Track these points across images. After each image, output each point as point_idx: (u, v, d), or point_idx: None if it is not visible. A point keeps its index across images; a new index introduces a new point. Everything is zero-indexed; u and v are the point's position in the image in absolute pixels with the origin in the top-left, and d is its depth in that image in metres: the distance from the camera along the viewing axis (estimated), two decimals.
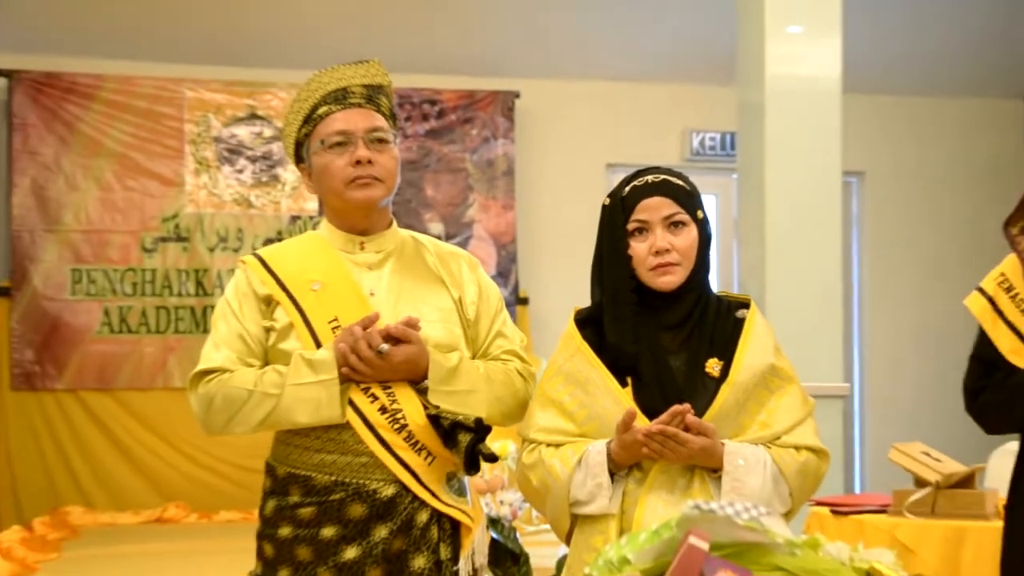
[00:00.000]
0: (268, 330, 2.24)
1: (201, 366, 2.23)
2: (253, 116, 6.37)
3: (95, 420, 6.08)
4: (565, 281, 6.05)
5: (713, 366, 2.09)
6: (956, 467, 3.77)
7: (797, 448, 2.11)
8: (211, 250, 6.31)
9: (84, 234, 6.15)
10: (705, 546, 1.30)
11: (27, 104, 6.08)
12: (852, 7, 4.89)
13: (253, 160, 6.36)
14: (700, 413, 1.99)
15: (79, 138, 6.12)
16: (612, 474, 2.08)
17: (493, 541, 3.26)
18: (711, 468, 2.05)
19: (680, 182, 2.14)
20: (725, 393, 2.06)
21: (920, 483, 3.77)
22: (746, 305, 2.19)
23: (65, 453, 6.03)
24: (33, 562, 4.66)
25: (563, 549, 2.36)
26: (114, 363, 6.14)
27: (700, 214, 2.13)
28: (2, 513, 5.75)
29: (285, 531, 2.19)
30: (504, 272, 6.53)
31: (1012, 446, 2.52)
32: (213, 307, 2.27)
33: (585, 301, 2.23)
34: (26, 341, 6.05)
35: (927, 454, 3.88)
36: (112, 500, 5.97)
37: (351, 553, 2.15)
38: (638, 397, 2.06)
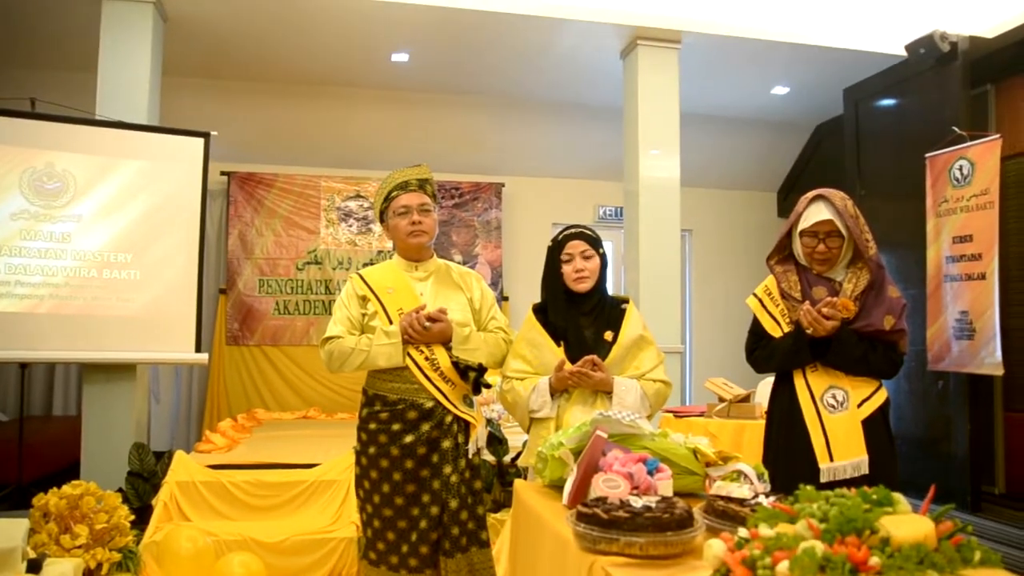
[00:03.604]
0: (363, 315, 2.68)
1: (326, 334, 2.66)
2: (358, 195, 7.39)
3: (270, 361, 7.20)
4: (527, 288, 7.17)
5: (609, 335, 2.53)
6: (740, 390, 4.60)
7: (655, 380, 2.52)
8: (334, 269, 7.31)
9: (265, 260, 7.24)
10: (605, 436, 1.73)
11: (237, 190, 7.22)
12: (684, 141, 5.75)
13: (357, 220, 7.38)
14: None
15: (264, 208, 7.28)
16: (552, 395, 2.51)
17: (488, 432, 4.32)
18: (606, 392, 2.46)
19: (590, 232, 2.62)
20: (615, 351, 2.50)
21: (721, 400, 4.58)
22: (626, 301, 2.63)
23: (254, 379, 7.15)
24: (236, 438, 5.34)
25: (524, 436, 2.70)
26: (281, 331, 7.26)
27: (601, 251, 2.59)
28: (222, 413, 6.83)
29: (372, 425, 2.62)
30: (495, 283, 7.48)
31: (770, 378, 2.76)
32: (334, 301, 2.77)
33: (535, 300, 2.72)
34: (234, 318, 7.17)
35: (726, 383, 4.75)
36: (278, 405, 7.05)
37: (408, 438, 2.57)
38: (567, 353, 2.49)
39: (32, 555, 3.06)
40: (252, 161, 7.43)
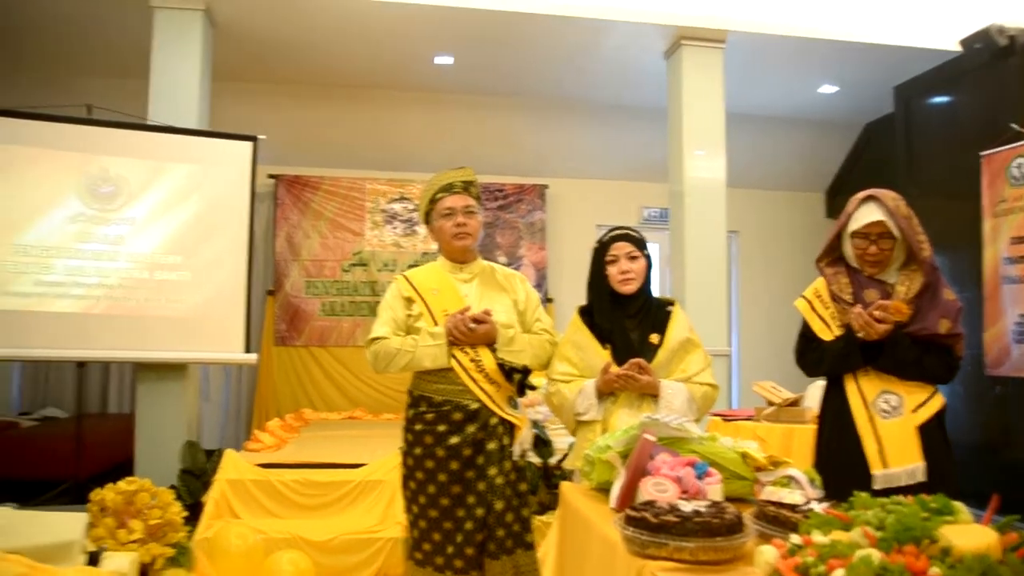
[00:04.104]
0: (408, 316, 2.69)
1: (372, 335, 2.69)
2: (402, 197, 7.45)
3: (317, 362, 7.28)
4: (572, 290, 7.02)
5: (655, 338, 2.51)
6: (789, 394, 4.51)
7: (702, 384, 2.50)
8: (379, 270, 7.38)
9: (312, 262, 7.33)
10: (653, 439, 1.73)
11: (284, 192, 7.34)
12: (730, 141, 5.71)
13: (402, 222, 7.45)
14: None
15: (310, 210, 7.37)
16: (598, 398, 2.49)
17: (534, 435, 4.31)
18: (653, 395, 2.44)
19: (636, 234, 2.60)
20: (661, 354, 2.49)
21: (770, 403, 4.50)
22: (672, 303, 2.61)
23: (301, 379, 7.22)
24: (284, 438, 5.44)
25: (570, 439, 2.78)
26: (327, 332, 7.32)
27: (647, 252, 2.58)
28: (270, 412, 6.88)
29: (417, 427, 2.63)
30: (539, 284, 7.42)
31: (820, 382, 2.77)
32: (379, 303, 2.76)
33: (582, 301, 2.68)
34: (281, 319, 7.27)
35: (774, 387, 4.67)
36: (325, 405, 7.10)
37: (454, 440, 2.57)
38: (613, 355, 2.48)
39: (91, 548, 3.13)
40: (299, 164, 7.50)
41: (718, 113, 5.73)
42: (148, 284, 5.12)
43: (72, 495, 4.89)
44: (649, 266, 2.60)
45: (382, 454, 4.47)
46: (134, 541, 3.39)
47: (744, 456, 1.86)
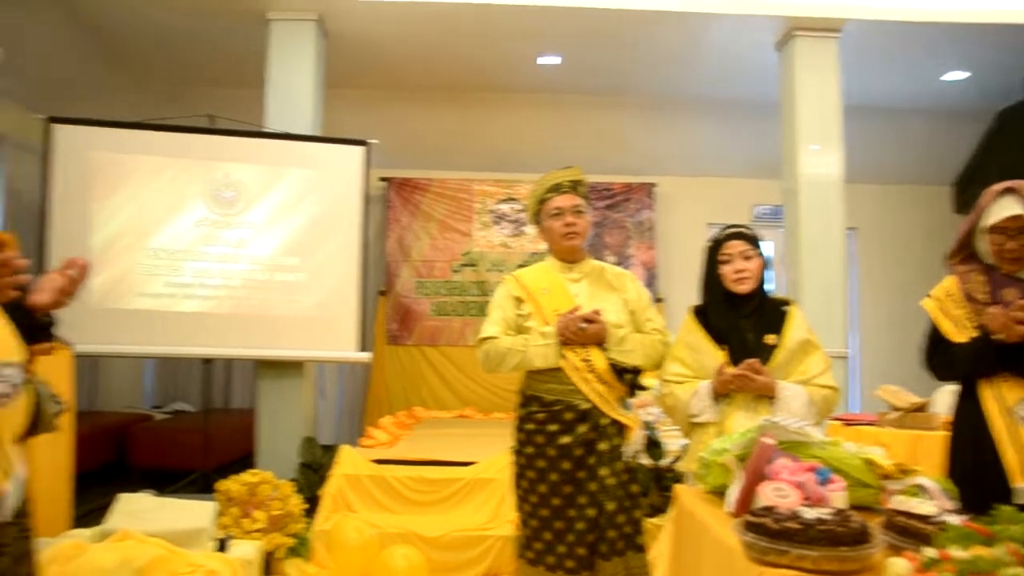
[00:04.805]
0: (519, 316, 2.71)
1: (483, 334, 2.71)
2: (510, 198, 7.54)
3: (428, 361, 7.41)
4: (683, 289, 6.84)
5: (771, 338, 2.46)
6: (915, 399, 4.33)
7: (822, 386, 2.43)
8: (487, 271, 7.47)
9: (422, 262, 7.48)
10: (772, 443, 1.68)
11: (394, 194, 7.51)
12: (847, 134, 5.55)
13: (510, 222, 7.53)
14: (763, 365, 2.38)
15: (420, 212, 7.51)
16: (713, 399, 2.45)
17: (645, 435, 4.04)
18: (770, 397, 2.38)
19: (750, 232, 2.55)
20: (778, 355, 2.43)
21: (894, 408, 4.33)
22: (788, 303, 2.55)
23: (412, 378, 7.36)
24: (397, 435, 5.50)
25: (682, 440, 2.82)
26: (438, 331, 7.46)
27: (761, 250, 2.53)
28: (383, 409, 6.96)
29: (529, 426, 2.65)
30: (649, 284, 7.30)
31: (949, 387, 2.69)
32: (489, 302, 2.76)
33: (693, 301, 2.65)
34: (393, 319, 7.44)
35: (899, 391, 4.44)
36: (436, 403, 7.22)
37: (565, 439, 2.58)
38: (728, 356, 2.44)
39: (219, 535, 3.29)
40: (408, 167, 7.65)
41: (834, 105, 5.56)
42: (268, 285, 5.34)
43: (200, 484, 5.17)
44: (765, 265, 2.55)
45: (493, 452, 4.49)
46: (257, 530, 3.54)
47: (869, 463, 1.77)
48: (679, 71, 6.49)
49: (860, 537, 1.34)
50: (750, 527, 1.41)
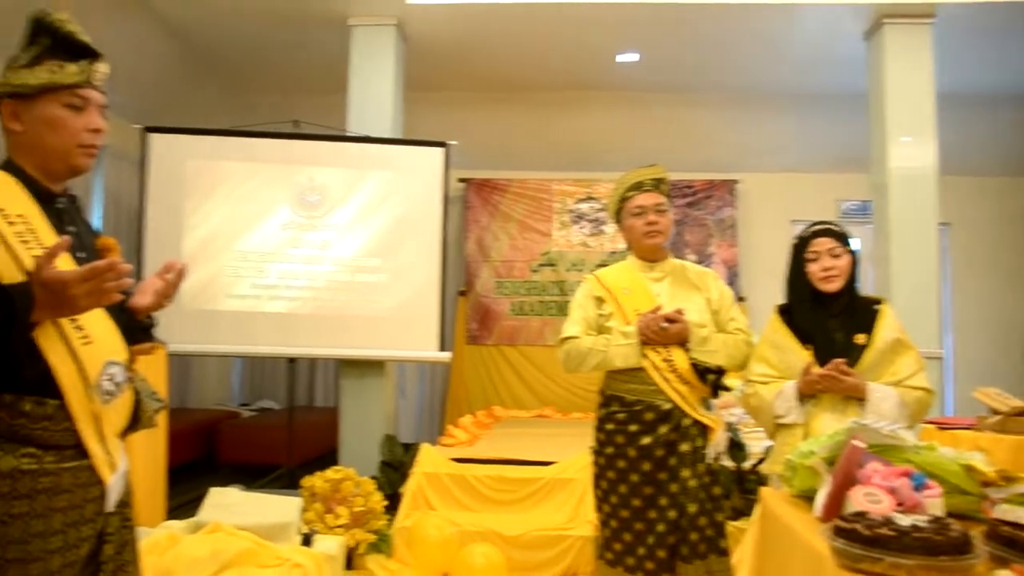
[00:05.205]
0: (599, 315, 2.71)
1: (564, 334, 2.72)
2: (589, 198, 7.55)
3: (507, 360, 7.49)
4: (765, 288, 6.66)
5: (861, 338, 2.42)
6: (1018, 402, 4.12)
7: (915, 388, 2.38)
8: (567, 270, 7.48)
9: (502, 263, 7.55)
10: (863, 446, 1.62)
11: (474, 195, 7.61)
12: (941, 125, 5.39)
13: (589, 222, 7.53)
14: (852, 366, 2.34)
15: (499, 212, 7.59)
16: (799, 400, 2.41)
17: (728, 437, 4.26)
18: (859, 398, 2.33)
19: (838, 228, 2.50)
20: (868, 355, 2.38)
21: (995, 412, 4.13)
22: (880, 302, 2.50)
23: (492, 377, 7.44)
24: (476, 434, 5.58)
25: (766, 442, 2.88)
26: (517, 331, 7.52)
27: (850, 248, 2.47)
28: (462, 409, 7.03)
29: (610, 426, 2.64)
30: (731, 282, 7.11)
31: None
32: (568, 303, 2.74)
33: (776, 300, 2.63)
34: (473, 319, 7.54)
35: (1000, 394, 4.20)
36: (515, 403, 7.26)
37: (646, 440, 2.57)
38: (815, 356, 2.40)
39: (304, 530, 3.38)
40: (487, 167, 7.70)
41: (927, 95, 5.38)
42: (350, 286, 5.46)
43: (285, 480, 5.31)
44: (855, 263, 2.48)
45: (572, 452, 4.48)
46: (340, 526, 3.62)
47: (969, 469, 1.67)
48: (761, 65, 6.38)
49: (961, 547, 1.28)
50: (840, 533, 1.36)
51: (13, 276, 1.39)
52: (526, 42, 6.02)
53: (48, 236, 1.48)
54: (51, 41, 1.54)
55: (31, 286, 1.34)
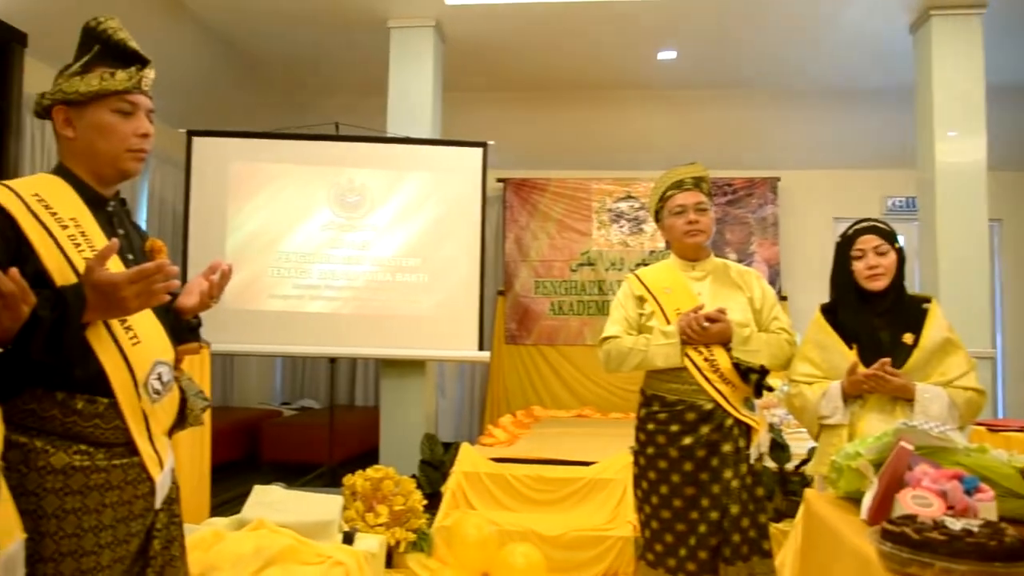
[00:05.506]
0: (640, 315, 2.71)
1: (604, 334, 2.73)
2: (629, 196, 7.48)
3: (546, 360, 7.46)
4: (808, 287, 7.00)
5: (909, 338, 2.38)
6: None
7: (965, 388, 2.34)
8: (606, 270, 7.45)
9: (541, 262, 7.53)
10: (911, 448, 1.60)
11: (512, 195, 7.60)
12: (990, 119, 5.32)
13: (629, 220, 7.47)
14: (899, 367, 2.30)
15: (537, 212, 7.57)
16: (844, 401, 2.39)
17: (771, 438, 4.12)
18: (906, 399, 2.31)
19: (884, 226, 2.48)
20: (916, 355, 2.35)
21: None
22: (928, 300, 2.47)
23: (531, 377, 7.42)
24: (516, 433, 5.59)
25: (809, 443, 2.90)
26: (556, 331, 7.50)
27: (897, 245, 2.45)
28: (501, 408, 7.12)
29: (650, 426, 2.63)
30: (772, 281, 6.96)
31: None
32: (608, 302, 3.19)
33: (818, 299, 2.64)
34: (512, 319, 7.53)
35: None
36: (554, 403, 7.24)
37: (688, 440, 2.56)
38: (860, 356, 2.37)
39: (345, 528, 3.41)
40: (526, 167, 7.71)
41: (976, 88, 5.31)
42: (390, 286, 5.50)
43: (326, 478, 5.38)
44: (901, 261, 2.46)
45: (612, 453, 4.48)
46: (380, 524, 3.65)
47: (1023, 472, 1.64)
48: (804, 59, 6.32)
49: (1016, 553, 1.24)
50: (889, 536, 1.34)
51: (66, 278, 1.43)
52: (564, 41, 6.01)
53: (99, 239, 1.52)
54: (102, 48, 1.58)
55: (83, 288, 1.37)
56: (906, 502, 1.49)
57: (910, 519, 1.38)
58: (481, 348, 5.55)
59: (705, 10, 5.44)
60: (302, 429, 6.53)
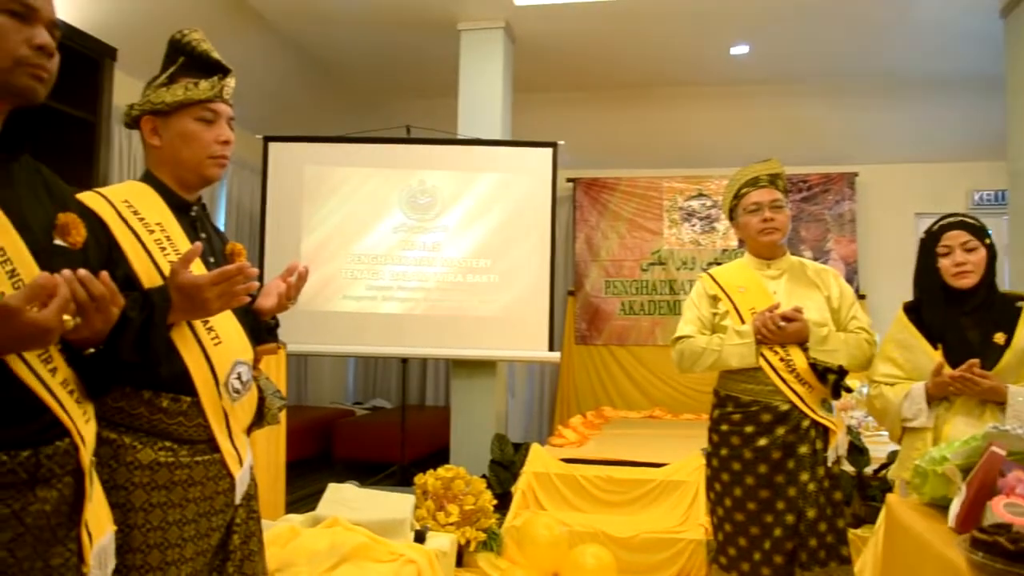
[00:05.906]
0: (714, 315, 2.68)
1: (677, 334, 2.72)
2: (700, 195, 7.38)
3: (616, 361, 7.41)
4: (887, 285, 6.84)
5: (1000, 338, 2.29)
6: None
7: None
8: (678, 269, 7.37)
9: (611, 262, 7.49)
10: (1003, 453, 1.54)
11: (582, 195, 7.58)
12: None
13: (700, 219, 7.36)
14: (989, 368, 2.22)
15: (608, 211, 7.53)
16: (928, 403, 2.34)
17: (849, 440, 4.07)
18: (997, 402, 2.23)
19: (973, 221, 2.40)
20: (1008, 356, 2.26)
21: None
22: (1022, 298, 2.37)
23: (601, 378, 7.39)
24: (586, 434, 5.43)
25: (889, 447, 2.86)
26: (626, 331, 7.44)
27: (988, 241, 2.36)
28: (571, 409, 7.06)
29: (724, 427, 2.61)
30: (849, 279, 6.27)
31: None
32: (679, 302, 3.15)
33: (898, 298, 2.60)
34: (582, 319, 7.50)
35: None
36: (625, 404, 7.18)
37: (762, 442, 2.51)
38: (946, 356, 2.31)
39: (417, 527, 3.45)
40: (596, 167, 7.66)
41: None
42: (461, 287, 5.56)
43: (398, 477, 5.45)
44: (992, 257, 2.37)
45: (683, 454, 4.44)
46: (451, 524, 3.68)
47: None
48: (882, 49, 6.12)
49: None
50: (980, 545, 1.29)
51: (152, 280, 1.50)
52: (634, 39, 5.97)
53: (183, 243, 1.58)
54: (186, 59, 1.65)
55: (168, 290, 1.43)
56: (999, 510, 1.44)
57: (1004, 528, 1.34)
58: (551, 348, 5.55)
59: (779, 1, 5.31)
60: (374, 428, 6.63)
